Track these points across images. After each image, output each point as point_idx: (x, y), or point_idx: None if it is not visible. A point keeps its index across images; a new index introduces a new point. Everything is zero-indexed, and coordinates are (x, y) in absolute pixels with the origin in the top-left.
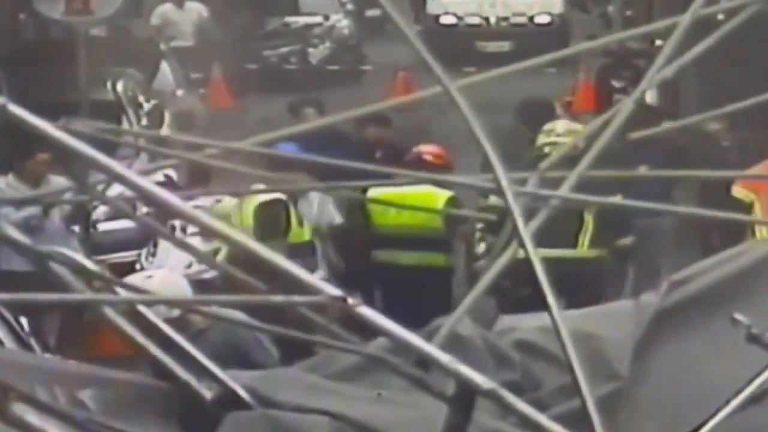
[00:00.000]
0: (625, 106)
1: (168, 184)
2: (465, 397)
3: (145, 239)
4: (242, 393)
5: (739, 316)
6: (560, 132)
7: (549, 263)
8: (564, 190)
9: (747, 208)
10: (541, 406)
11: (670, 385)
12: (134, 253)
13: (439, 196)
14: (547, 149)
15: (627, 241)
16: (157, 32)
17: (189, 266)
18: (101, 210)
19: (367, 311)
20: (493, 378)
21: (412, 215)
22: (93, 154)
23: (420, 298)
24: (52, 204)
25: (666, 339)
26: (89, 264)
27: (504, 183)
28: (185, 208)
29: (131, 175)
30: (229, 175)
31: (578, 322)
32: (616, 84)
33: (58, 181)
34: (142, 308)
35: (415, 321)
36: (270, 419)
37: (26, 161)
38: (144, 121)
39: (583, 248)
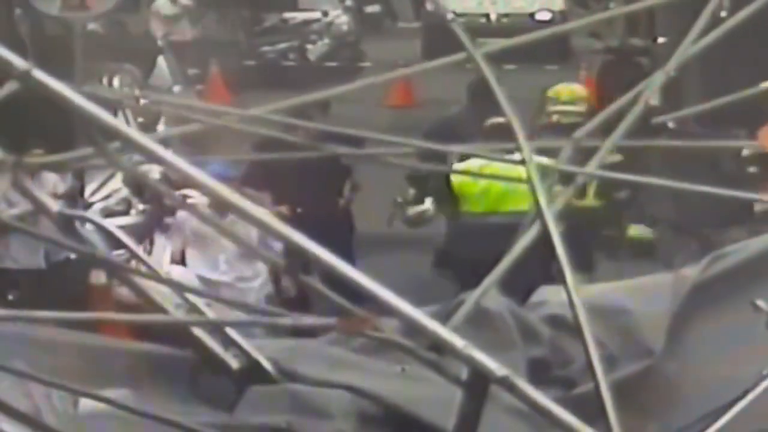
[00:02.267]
0: (656, 78)
1: (165, 180)
2: (478, 384)
3: (140, 237)
4: (266, 364)
5: (761, 303)
6: (565, 99)
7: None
8: (593, 165)
9: None
10: (569, 384)
11: (703, 363)
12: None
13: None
14: (555, 117)
15: (623, 194)
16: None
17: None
18: (96, 207)
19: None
20: (521, 353)
21: (513, 200)
22: (114, 122)
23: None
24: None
25: (703, 314)
26: (116, 230)
27: (527, 156)
28: (208, 180)
29: (153, 145)
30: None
31: (613, 297)
32: (618, 81)
33: (52, 178)
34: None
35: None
36: (291, 393)
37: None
38: (140, 119)
39: (589, 198)
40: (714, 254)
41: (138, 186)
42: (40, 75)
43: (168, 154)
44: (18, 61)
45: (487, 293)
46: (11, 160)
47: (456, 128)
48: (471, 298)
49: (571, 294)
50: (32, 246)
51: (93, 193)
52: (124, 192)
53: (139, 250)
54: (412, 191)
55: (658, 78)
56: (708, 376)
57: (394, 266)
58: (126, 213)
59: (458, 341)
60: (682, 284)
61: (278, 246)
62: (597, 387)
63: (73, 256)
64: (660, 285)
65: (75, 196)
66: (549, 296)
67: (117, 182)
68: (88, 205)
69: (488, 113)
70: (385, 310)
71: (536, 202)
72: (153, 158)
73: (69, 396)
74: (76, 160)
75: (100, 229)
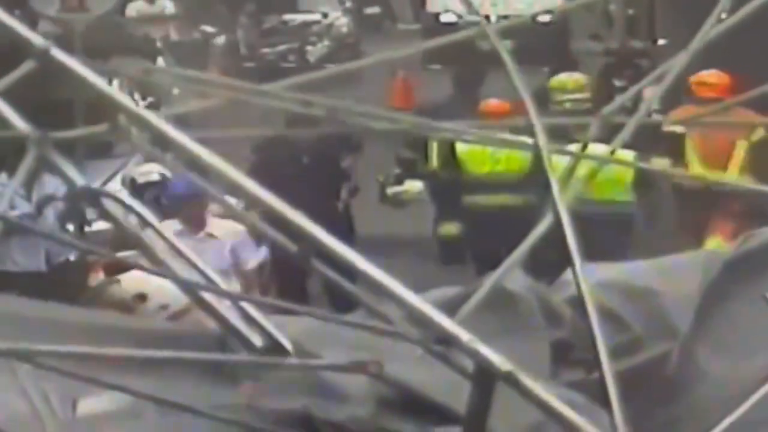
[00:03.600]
0: (680, 61)
1: (163, 183)
2: (485, 378)
3: None
4: (287, 345)
5: None
6: (572, 88)
7: (603, 205)
8: (618, 143)
9: (679, 139)
10: (591, 366)
11: (734, 343)
12: (128, 252)
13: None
14: (568, 105)
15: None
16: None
17: None
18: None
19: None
20: (544, 335)
21: (506, 162)
22: (130, 103)
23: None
24: (46, 202)
25: (735, 292)
26: (139, 206)
27: (541, 142)
28: (217, 161)
29: (169, 129)
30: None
31: (642, 277)
32: (618, 83)
33: (50, 180)
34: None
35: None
36: (310, 377)
37: (19, 160)
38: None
39: (627, 194)
40: (747, 234)
41: (137, 188)
42: (58, 53)
43: (176, 133)
44: (36, 39)
45: (510, 275)
46: (37, 136)
47: (443, 116)
48: (487, 282)
49: (577, 275)
50: (33, 248)
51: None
52: (124, 194)
53: (163, 232)
54: (396, 171)
55: (682, 60)
56: (738, 355)
57: (395, 269)
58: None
59: (464, 334)
60: (714, 262)
61: (251, 264)
62: (602, 377)
63: (72, 258)
64: (692, 263)
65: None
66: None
67: (116, 185)
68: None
69: (474, 101)
70: (390, 299)
71: (549, 191)
72: (163, 137)
73: (68, 398)
74: (97, 136)
75: (125, 206)
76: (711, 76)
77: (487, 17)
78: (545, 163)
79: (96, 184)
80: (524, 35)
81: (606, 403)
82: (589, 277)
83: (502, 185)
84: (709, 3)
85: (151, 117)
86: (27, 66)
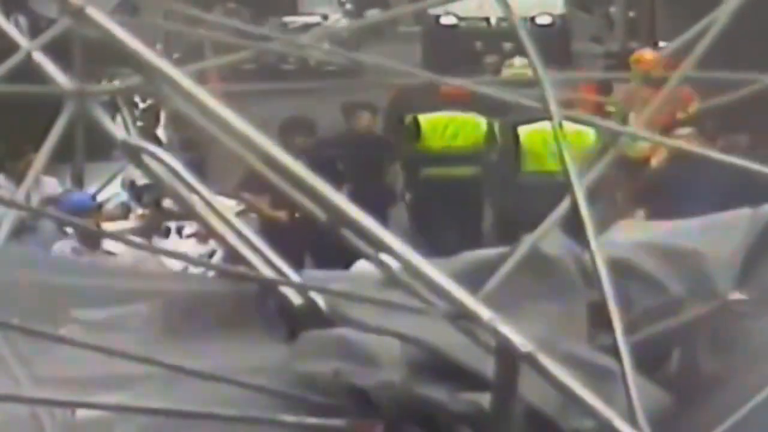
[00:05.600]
0: (688, 63)
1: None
2: (506, 357)
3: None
4: (321, 305)
5: None
6: (518, 65)
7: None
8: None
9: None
10: (629, 328)
11: None
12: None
13: (481, 121)
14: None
15: None
16: None
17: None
18: None
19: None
20: (581, 297)
21: (463, 137)
22: (156, 59)
23: (466, 204)
24: (47, 204)
25: None
26: (180, 166)
27: (557, 119)
28: (242, 125)
29: (197, 89)
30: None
31: (684, 238)
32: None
33: (50, 182)
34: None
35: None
36: (340, 339)
37: (17, 162)
38: (139, 122)
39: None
40: None
41: (137, 191)
42: (93, 11)
43: (202, 92)
44: None
45: (548, 237)
46: (76, 89)
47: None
48: (519, 249)
49: (591, 246)
50: (42, 248)
51: (92, 197)
52: (123, 196)
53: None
54: None
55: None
56: None
57: None
58: (125, 217)
59: (485, 312)
60: (760, 219)
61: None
62: (615, 344)
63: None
64: (737, 221)
65: None
66: (618, 235)
67: (116, 187)
68: None
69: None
70: (413, 274)
71: (563, 165)
72: (193, 98)
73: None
74: (131, 90)
75: (163, 163)
76: (647, 53)
77: (487, 19)
78: (558, 139)
79: (96, 187)
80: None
81: (640, 367)
82: (631, 237)
83: (458, 158)
84: (709, 5)
85: (181, 76)
86: (63, 24)
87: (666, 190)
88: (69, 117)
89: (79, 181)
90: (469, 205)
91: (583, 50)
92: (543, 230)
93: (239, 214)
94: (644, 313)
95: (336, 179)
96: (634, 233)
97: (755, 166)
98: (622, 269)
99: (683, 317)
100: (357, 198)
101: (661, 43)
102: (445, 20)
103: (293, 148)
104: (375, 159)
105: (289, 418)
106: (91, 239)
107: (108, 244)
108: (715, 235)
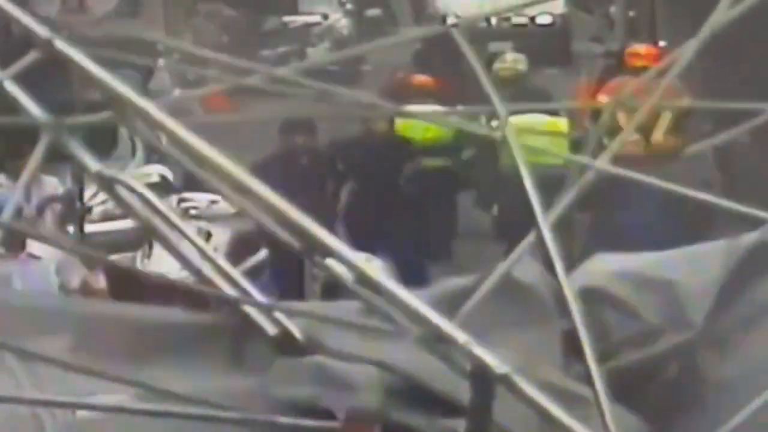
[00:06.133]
0: (674, 56)
1: (163, 185)
2: (482, 380)
3: (138, 241)
4: (297, 334)
5: None
6: (509, 60)
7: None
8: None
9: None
10: (603, 357)
11: (755, 331)
12: (129, 254)
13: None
14: (506, 74)
15: None
16: None
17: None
18: (96, 211)
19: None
20: (555, 327)
21: (434, 129)
22: (135, 97)
23: (445, 191)
24: (46, 204)
25: (755, 280)
26: (154, 197)
27: (503, 122)
28: (217, 157)
29: (168, 120)
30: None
31: (663, 267)
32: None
33: (49, 182)
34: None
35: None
36: (319, 368)
37: (17, 162)
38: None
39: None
40: None
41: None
42: (61, 44)
43: (179, 128)
44: (40, 30)
45: (521, 262)
46: (51, 121)
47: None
48: (493, 276)
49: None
50: None
51: (92, 197)
52: (136, 183)
53: (177, 221)
54: None
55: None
56: (760, 343)
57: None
58: (125, 217)
59: (460, 336)
60: (735, 250)
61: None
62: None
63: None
64: (714, 252)
65: (74, 200)
66: (594, 266)
67: None
68: (87, 209)
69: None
70: (388, 298)
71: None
72: (165, 130)
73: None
74: (104, 122)
75: (137, 194)
76: (641, 47)
77: (488, 19)
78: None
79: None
80: (524, 37)
81: (616, 396)
82: (606, 268)
83: (431, 151)
84: (710, 5)
85: (151, 108)
86: (32, 56)
87: (608, 196)
88: (45, 146)
89: (79, 181)
90: (442, 197)
91: (583, 50)
92: (516, 256)
93: (237, 214)
94: (621, 342)
95: (336, 179)
96: (609, 264)
97: (690, 192)
98: (598, 297)
99: (659, 347)
100: (368, 198)
101: (661, 43)
102: (449, 21)
103: (293, 148)
104: (389, 160)
105: (285, 420)
106: (15, 241)
107: (31, 246)
108: (693, 265)
